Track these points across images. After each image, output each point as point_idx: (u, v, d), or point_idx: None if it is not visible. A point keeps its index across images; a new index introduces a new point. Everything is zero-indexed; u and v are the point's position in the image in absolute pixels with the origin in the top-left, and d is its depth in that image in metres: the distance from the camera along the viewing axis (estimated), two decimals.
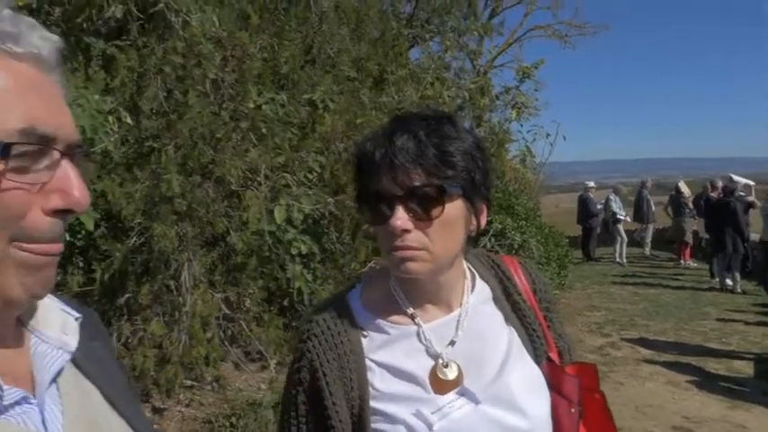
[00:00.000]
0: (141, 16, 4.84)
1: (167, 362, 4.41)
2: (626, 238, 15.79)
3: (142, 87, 4.66)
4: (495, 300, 1.37)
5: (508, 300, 1.38)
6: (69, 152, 0.75)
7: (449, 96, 6.00)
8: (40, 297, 0.78)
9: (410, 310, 1.29)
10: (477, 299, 1.34)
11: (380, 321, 1.29)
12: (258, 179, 4.56)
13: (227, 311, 5.02)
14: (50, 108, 0.74)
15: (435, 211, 1.17)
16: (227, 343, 5.31)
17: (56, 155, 0.73)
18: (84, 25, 4.66)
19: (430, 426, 1.17)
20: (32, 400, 0.77)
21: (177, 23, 4.26)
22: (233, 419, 4.91)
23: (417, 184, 1.16)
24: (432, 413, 1.18)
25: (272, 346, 5.29)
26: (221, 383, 4.93)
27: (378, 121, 5.82)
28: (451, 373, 1.24)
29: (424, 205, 1.17)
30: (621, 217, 15.85)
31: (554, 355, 1.36)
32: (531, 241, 7.74)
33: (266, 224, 4.45)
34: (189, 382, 5.01)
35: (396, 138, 1.17)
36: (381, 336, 1.28)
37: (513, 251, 7.09)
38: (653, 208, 16.32)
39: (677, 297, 11.35)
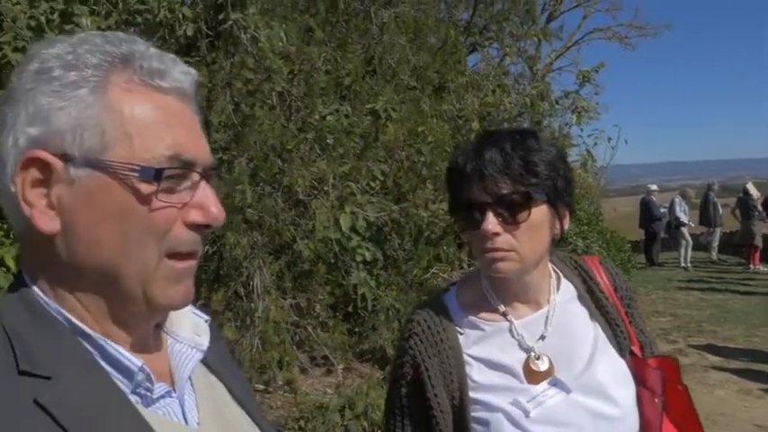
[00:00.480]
0: (210, 33, 5.04)
1: (240, 366, 4.57)
2: (690, 242, 15.36)
3: (211, 101, 4.85)
4: (580, 298, 1.47)
5: (592, 298, 1.48)
6: (206, 173, 0.85)
7: (510, 103, 6.03)
8: (180, 307, 0.88)
9: (502, 308, 1.41)
10: (564, 297, 1.45)
11: (475, 319, 1.41)
12: (325, 188, 4.69)
13: (296, 317, 5.16)
14: (191, 136, 0.84)
15: (522, 216, 1.29)
16: (294, 348, 5.45)
17: (195, 177, 0.83)
18: (158, 44, 4.89)
19: (527, 413, 1.28)
20: (173, 394, 0.87)
21: (246, 39, 4.43)
22: (301, 423, 5.03)
23: (505, 191, 1.28)
24: (527, 401, 1.29)
25: (339, 352, 5.40)
26: (292, 387, 5.07)
27: (438, 129, 5.90)
28: (543, 365, 1.35)
29: (512, 210, 1.29)
30: (685, 221, 15.42)
31: (636, 349, 1.46)
32: (594, 246, 7.65)
33: (332, 232, 4.57)
34: (260, 386, 5.17)
35: (485, 151, 1.30)
36: (477, 332, 1.40)
37: None
38: (720, 211, 15.81)
39: (747, 303, 10.99)
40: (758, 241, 14.53)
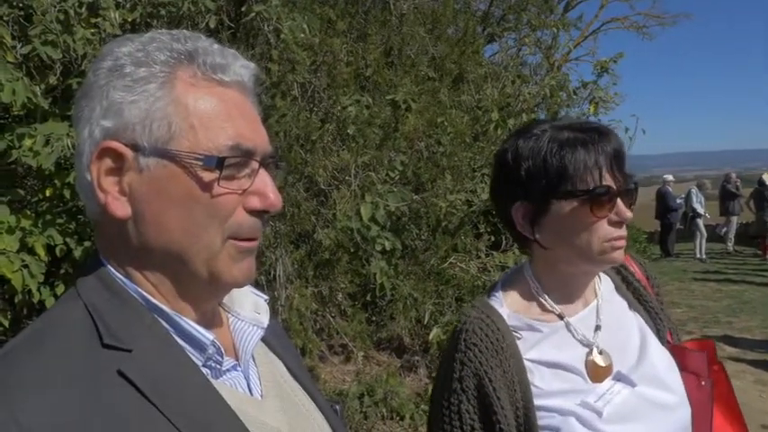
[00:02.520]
0: (232, 25, 5.10)
1: None
2: (705, 234, 15.26)
3: None
4: (617, 289, 1.50)
5: (628, 288, 1.50)
6: (265, 162, 0.90)
7: (529, 94, 6.03)
8: (243, 285, 0.93)
9: (557, 308, 1.40)
10: (605, 289, 1.47)
11: (529, 321, 1.38)
12: (347, 178, 4.74)
13: (316, 305, 5.23)
14: (251, 126, 0.89)
15: (632, 206, 1.35)
16: (314, 336, 5.52)
17: (255, 165, 0.89)
18: None
19: (599, 413, 1.26)
20: (239, 368, 0.93)
21: (268, 31, 4.48)
22: None
23: (627, 183, 1.34)
24: (595, 401, 1.28)
25: (358, 340, 5.47)
26: (313, 374, 5.15)
27: (458, 119, 5.92)
28: (604, 361, 1.35)
29: (629, 201, 1.34)
30: (701, 212, 15.31)
31: (668, 337, 1.48)
32: None
33: (353, 221, 4.62)
34: None
35: (606, 143, 1.32)
36: (534, 335, 1.37)
37: None
38: (740, 201, 15.67)
39: (763, 294, 10.93)
40: None
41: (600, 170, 1.30)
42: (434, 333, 5.87)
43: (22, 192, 3.63)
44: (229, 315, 1.00)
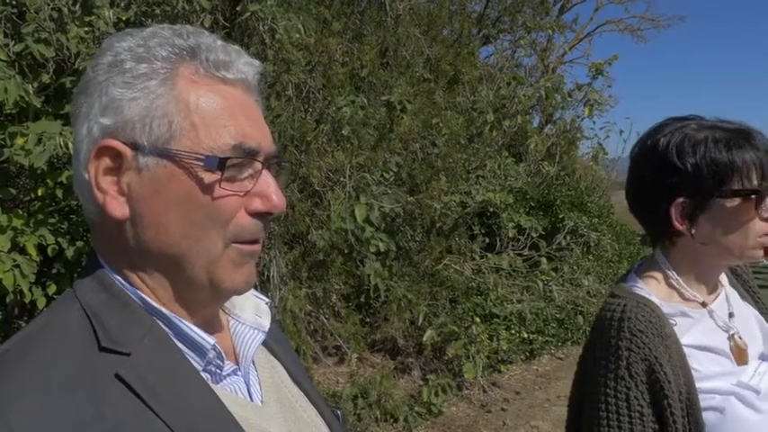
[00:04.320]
0: (227, 25, 5.07)
1: None
2: None
3: None
4: (730, 281, 1.58)
5: (738, 280, 1.60)
6: (268, 162, 0.88)
7: (524, 95, 6.04)
8: (244, 291, 0.90)
9: (696, 296, 1.46)
10: (724, 279, 1.55)
11: (680, 308, 1.43)
12: (341, 179, 4.72)
13: (310, 307, 5.20)
14: (254, 125, 0.87)
15: None
16: (308, 337, 5.50)
17: (258, 165, 0.86)
18: None
19: (757, 391, 1.32)
20: (239, 372, 0.91)
21: (263, 31, 4.46)
22: None
23: None
24: (749, 380, 1.34)
25: (352, 341, 5.45)
26: (309, 376, 5.13)
27: (453, 121, 5.91)
28: (743, 343, 1.42)
29: None
30: None
31: None
32: (604, 239, 7.67)
33: (347, 223, 4.61)
34: None
35: (763, 143, 1.38)
36: (686, 320, 1.42)
37: (588, 249, 7.05)
38: None
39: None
40: None
41: (763, 170, 1.36)
42: (428, 335, 5.86)
43: (13, 191, 3.60)
44: (230, 318, 0.98)
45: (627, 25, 18.34)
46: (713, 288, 1.49)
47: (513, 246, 6.85)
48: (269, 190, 0.86)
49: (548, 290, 6.44)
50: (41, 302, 3.38)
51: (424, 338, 5.87)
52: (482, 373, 6.05)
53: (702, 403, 1.32)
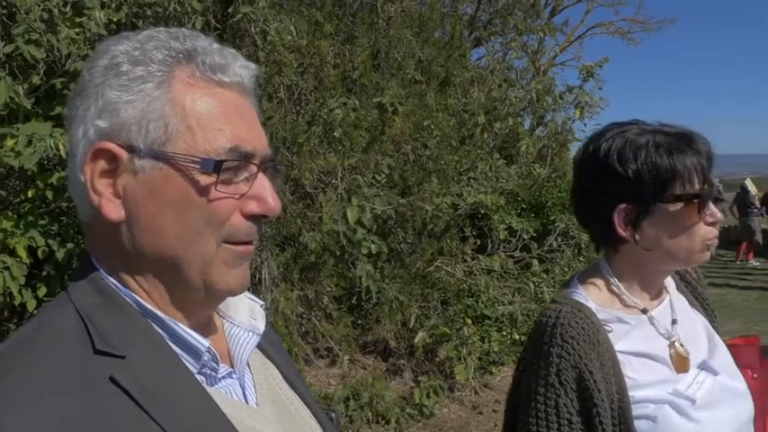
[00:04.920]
0: (218, 27, 5.06)
1: None
2: None
3: None
4: (677, 286, 1.56)
5: (687, 286, 1.58)
6: (264, 165, 0.88)
7: (515, 98, 6.06)
8: (237, 293, 0.90)
9: (637, 303, 1.44)
10: (671, 286, 1.53)
11: (617, 314, 1.41)
12: (333, 181, 4.72)
13: (302, 309, 5.20)
14: (250, 129, 0.87)
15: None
16: (300, 339, 5.49)
17: (253, 168, 0.86)
18: None
19: (693, 401, 1.30)
20: (234, 375, 0.91)
21: (255, 33, 4.45)
22: None
23: (717, 186, 1.38)
24: (686, 389, 1.32)
25: (343, 343, 5.45)
26: (302, 378, 5.12)
27: (444, 123, 5.93)
28: (684, 351, 1.40)
29: (717, 205, 1.38)
30: None
31: None
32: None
33: (339, 225, 4.61)
34: None
35: (704, 146, 1.37)
36: (623, 326, 1.39)
37: (579, 250, 7.08)
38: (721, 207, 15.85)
39: (745, 297, 11.07)
40: (759, 237, 14.61)
41: (704, 173, 1.35)
42: (420, 336, 5.87)
43: (3, 192, 3.58)
44: (224, 320, 0.98)
45: (617, 28, 18.47)
46: (657, 294, 1.48)
47: (504, 247, 6.87)
48: (264, 193, 0.86)
49: (539, 291, 6.45)
50: (31, 305, 3.36)
51: (416, 340, 5.87)
52: (473, 374, 6.06)
53: (635, 411, 1.30)
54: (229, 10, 4.85)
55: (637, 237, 1.38)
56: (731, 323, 9.17)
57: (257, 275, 4.95)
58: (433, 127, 5.65)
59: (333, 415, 1.10)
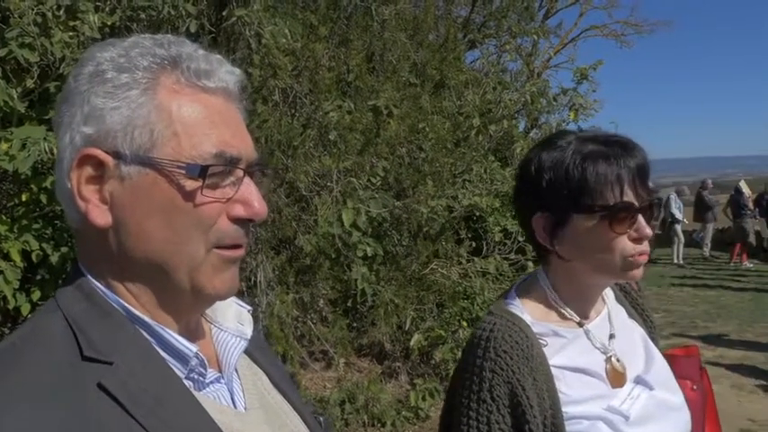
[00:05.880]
0: (213, 30, 5.06)
1: None
2: (683, 240, 15.48)
3: None
4: (617, 297, 1.53)
5: (626, 297, 1.54)
6: (250, 169, 0.89)
7: (510, 100, 6.07)
8: (225, 297, 0.91)
9: (575, 316, 1.40)
10: (609, 298, 1.50)
11: (552, 327, 1.37)
12: (328, 184, 4.73)
13: (297, 312, 5.20)
14: (236, 133, 0.88)
15: (652, 222, 1.32)
16: (295, 342, 5.49)
17: (239, 173, 0.87)
18: None
19: (627, 417, 1.28)
20: (222, 380, 0.91)
21: (250, 36, 4.46)
22: None
23: (650, 198, 1.32)
24: (620, 405, 1.30)
25: (339, 346, 5.45)
26: (295, 381, 5.12)
27: (439, 125, 5.94)
28: (622, 367, 1.37)
29: (650, 216, 1.32)
30: (680, 218, 15.52)
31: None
32: None
33: (334, 227, 4.61)
34: None
35: (631, 157, 1.30)
36: (559, 340, 1.36)
37: None
38: (714, 208, 15.91)
39: (739, 299, 11.09)
40: (752, 239, 14.65)
41: (621, 185, 1.28)
42: (415, 339, 5.87)
43: None
44: (212, 326, 0.98)
45: (611, 30, 18.55)
46: (594, 306, 1.44)
47: (499, 250, 6.87)
48: (251, 197, 0.87)
49: None
50: (26, 309, 3.36)
51: (412, 343, 5.87)
52: None
53: (568, 428, 1.26)
54: (224, 13, 4.85)
55: (556, 247, 1.35)
56: (725, 325, 9.19)
57: (252, 278, 4.95)
58: (427, 129, 5.67)
59: (321, 419, 1.10)
